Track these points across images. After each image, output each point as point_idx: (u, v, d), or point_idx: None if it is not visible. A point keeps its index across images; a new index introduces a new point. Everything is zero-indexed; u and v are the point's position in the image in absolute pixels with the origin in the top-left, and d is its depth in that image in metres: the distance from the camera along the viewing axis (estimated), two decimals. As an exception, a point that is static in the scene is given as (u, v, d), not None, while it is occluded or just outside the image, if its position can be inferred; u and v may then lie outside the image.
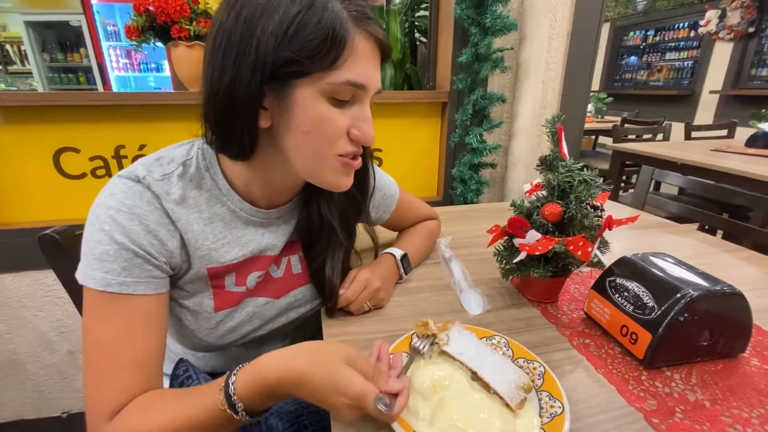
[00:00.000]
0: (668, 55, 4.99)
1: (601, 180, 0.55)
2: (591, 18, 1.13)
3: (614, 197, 2.24)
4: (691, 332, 0.47)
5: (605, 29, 5.57)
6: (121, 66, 4.08)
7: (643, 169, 1.07)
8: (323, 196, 0.53)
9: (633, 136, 2.60)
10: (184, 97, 1.04)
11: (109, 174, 1.07)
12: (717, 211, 1.04)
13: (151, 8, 0.92)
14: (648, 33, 5.21)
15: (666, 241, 0.87)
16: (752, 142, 2.14)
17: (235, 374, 0.36)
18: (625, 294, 0.51)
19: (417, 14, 1.87)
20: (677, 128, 2.97)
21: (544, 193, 0.57)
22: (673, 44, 4.90)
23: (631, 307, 0.50)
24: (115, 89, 4.08)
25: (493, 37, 1.01)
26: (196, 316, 0.48)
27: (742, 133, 2.32)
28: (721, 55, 4.23)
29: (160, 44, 1.00)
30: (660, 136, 2.71)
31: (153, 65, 4.13)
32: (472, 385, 0.42)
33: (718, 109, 4.31)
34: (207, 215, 0.46)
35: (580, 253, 0.50)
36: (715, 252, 0.81)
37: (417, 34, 1.87)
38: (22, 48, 4.06)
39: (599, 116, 4.07)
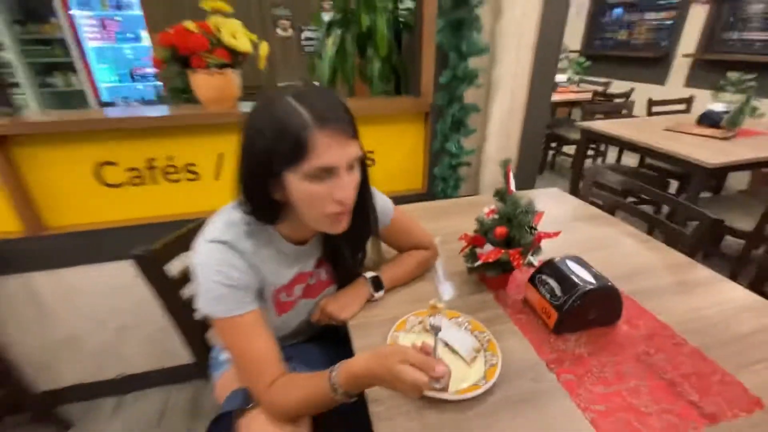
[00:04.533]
0: (647, 15, 5.05)
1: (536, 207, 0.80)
2: (553, 35, 1.32)
3: (580, 167, 2.48)
4: (582, 312, 0.74)
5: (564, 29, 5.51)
6: (96, 36, 3.95)
7: (587, 167, 1.31)
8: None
9: (600, 115, 2.81)
10: (203, 117, 1.20)
11: (143, 182, 1.26)
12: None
13: (174, 44, 1.06)
14: (632, -12, 5.19)
15: (594, 232, 1.14)
16: (702, 120, 2.37)
17: (336, 369, 0.57)
18: (546, 286, 0.78)
19: (402, 7, 1.97)
20: (643, 97, 3.13)
21: (497, 216, 0.81)
22: (653, 3, 4.90)
23: (548, 296, 0.76)
24: (93, 63, 3.98)
25: (467, 62, 1.19)
26: (268, 321, 0.72)
27: (703, 104, 2.49)
28: (697, 18, 4.29)
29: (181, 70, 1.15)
30: (626, 111, 2.94)
31: (130, 35, 4.01)
32: (445, 350, 0.69)
33: (690, 73, 4.44)
34: (267, 256, 0.69)
35: (516, 263, 0.75)
36: (629, 242, 1.08)
37: (402, 26, 1.97)
38: (-13, 16, 3.86)
39: (577, 84, 4.22)
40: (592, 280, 0.74)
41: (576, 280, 0.74)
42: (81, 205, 1.24)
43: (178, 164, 1.27)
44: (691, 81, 4.34)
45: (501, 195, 0.80)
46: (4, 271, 1.24)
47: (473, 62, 1.23)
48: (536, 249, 0.82)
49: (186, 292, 0.88)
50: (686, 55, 4.37)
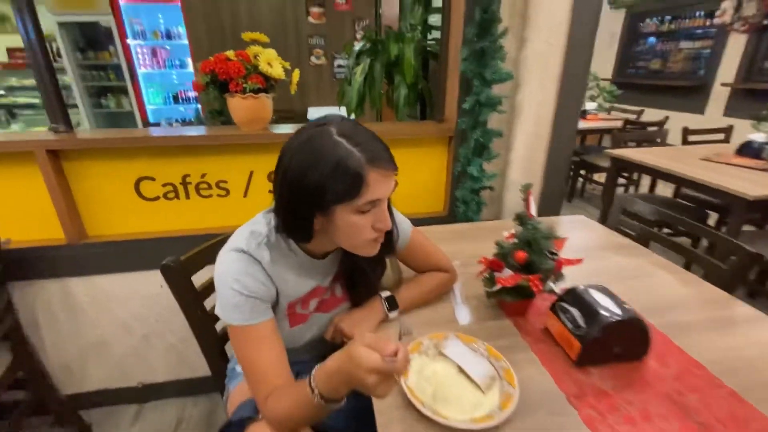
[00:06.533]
0: (683, 44, 4.95)
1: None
2: (580, 63, 1.32)
3: (610, 196, 2.40)
4: (607, 344, 0.70)
5: (620, 17, 5.53)
6: (147, 63, 4.30)
7: (618, 195, 1.28)
8: None
9: (632, 143, 2.74)
10: (236, 137, 1.27)
11: (177, 197, 1.33)
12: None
13: (215, 69, 1.14)
14: (665, 19, 5.15)
15: (622, 262, 1.10)
16: (742, 150, 2.27)
17: (314, 372, 0.58)
18: (568, 315, 0.75)
19: (429, 38, 2.04)
20: (678, 126, 3.05)
21: (516, 240, 0.80)
22: (688, 33, 4.83)
23: (571, 325, 0.73)
24: (143, 87, 4.31)
25: (491, 89, 1.21)
26: (280, 332, 0.73)
27: (742, 134, 2.39)
28: (736, 47, 4.18)
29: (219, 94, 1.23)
30: (659, 140, 2.85)
31: (177, 62, 4.34)
32: (459, 375, 0.67)
33: (729, 102, 4.30)
34: (285, 268, 0.70)
35: (536, 289, 0.73)
36: (660, 274, 1.03)
37: (429, 55, 2.04)
38: (54, 45, 4.29)
39: (607, 112, 4.16)
40: (618, 311, 0.71)
41: (601, 310, 0.71)
42: (119, 217, 1.33)
43: (210, 181, 1.33)
44: (730, 110, 4.20)
45: (521, 219, 0.80)
46: (44, 275, 1.32)
47: (497, 88, 1.25)
48: (558, 276, 0.80)
49: (209, 303, 0.91)
50: (725, 84, 4.24)
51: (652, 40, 5.30)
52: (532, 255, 0.76)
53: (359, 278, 0.80)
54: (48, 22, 3.88)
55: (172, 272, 0.85)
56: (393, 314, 0.83)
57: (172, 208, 1.34)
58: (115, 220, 1.33)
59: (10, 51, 4.36)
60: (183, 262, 0.87)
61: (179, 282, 0.85)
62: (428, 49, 1.98)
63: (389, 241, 0.76)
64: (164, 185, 1.31)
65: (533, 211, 0.79)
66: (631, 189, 3.71)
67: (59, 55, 4.14)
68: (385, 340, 0.51)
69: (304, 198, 0.61)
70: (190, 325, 0.90)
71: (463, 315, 0.85)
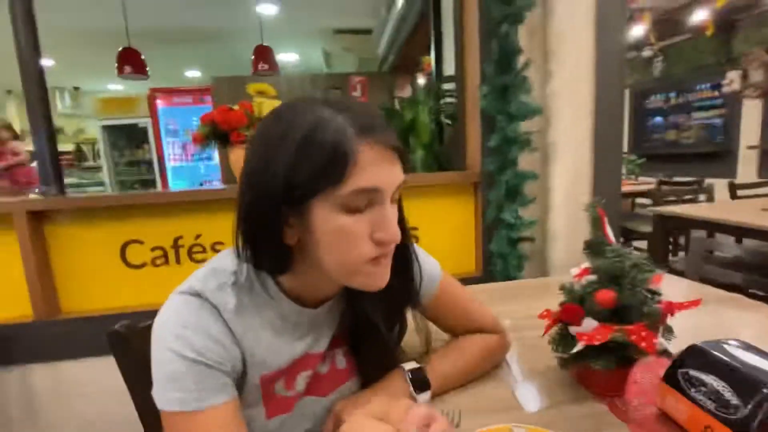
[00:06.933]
0: (695, 114, 4.99)
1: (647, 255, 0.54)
2: (612, 94, 1.19)
3: (663, 259, 2.12)
4: (790, 436, 0.41)
5: (625, 93, 5.74)
6: (177, 157, 4.59)
7: (694, 238, 1.03)
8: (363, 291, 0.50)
9: (673, 198, 2.52)
10: (231, 191, 1.14)
11: (167, 263, 1.16)
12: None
13: (215, 120, 1.06)
14: (670, 95, 5.29)
15: (733, 320, 0.81)
16: (807, 199, 2.02)
17: None
18: (703, 389, 0.47)
19: (442, 101, 2.04)
20: (719, 186, 2.87)
21: (594, 277, 0.56)
22: (697, 104, 4.91)
23: (713, 405, 0.45)
24: (170, 178, 4.54)
25: (519, 122, 1.07)
26: (249, 426, 0.47)
27: None
28: (752, 109, 4.20)
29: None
30: (702, 197, 2.62)
31: (204, 155, 4.62)
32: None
33: (760, 163, 4.17)
34: (258, 322, 0.47)
35: (644, 344, 0.47)
36: (797, 331, 0.74)
37: (444, 119, 2.01)
38: (96, 147, 4.68)
39: (633, 177, 4.02)
40: (794, 378, 0.43)
41: (761, 375, 0.44)
42: (100, 288, 1.15)
43: (205, 243, 1.17)
44: (765, 171, 4.03)
45: (596, 247, 0.57)
46: (3, 361, 1.11)
47: (524, 126, 1.12)
48: (666, 329, 0.54)
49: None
50: (751, 147, 4.16)
51: (661, 114, 5.40)
52: (622, 295, 0.52)
53: (370, 339, 0.54)
54: (91, 126, 4.29)
55: (121, 341, 0.63)
56: (423, 397, 0.55)
57: (161, 276, 1.17)
58: (94, 292, 1.15)
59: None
60: (141, 330, 0.66)
61: (126, 353, 0.63)
62: (442, 111, 1.95)
63: (406, 280, 0.54)
64: (153, 249, 1.15)
65: (611, 235, 0.57)
66: (680, 254, 3.35)
67: (98, 155, 4.49)
68: (406, 404, 0.27)
69: (266, 194, 0.41)
70: (139, 415, 0.65)
71: (531, 397, 0.57)
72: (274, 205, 0.41)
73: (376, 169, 0.41)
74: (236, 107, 1.12)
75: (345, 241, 0.42)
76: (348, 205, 0.41)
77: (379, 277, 0.46)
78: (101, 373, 1.15)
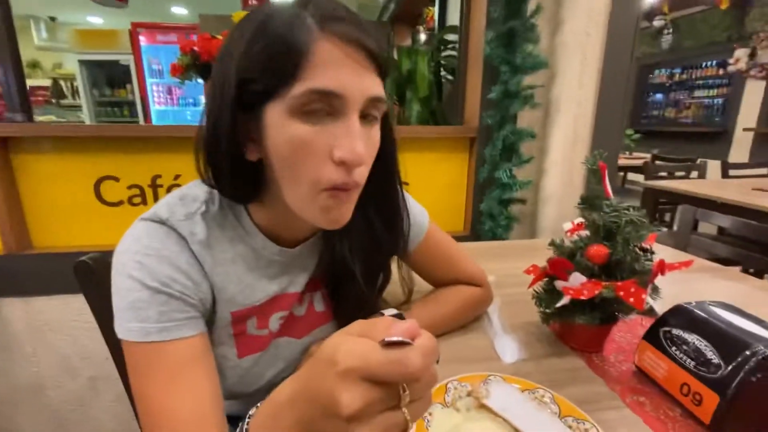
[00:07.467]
0: (697, 93, 4.92)
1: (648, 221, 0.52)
2: (622, 55, 1.13)
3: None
4: (765, 392, 0.41)
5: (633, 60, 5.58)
6: (162, 100, 4.36)
7: (684, 208, 1.02)
8: (342, 231, 0.45)
9: (665, 174, 2.52)
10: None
11: (144, 202, 1.11)
12: (762, 252, 0.96)
13: (195, 48, 0.97)
14: (674, 71, 5.17)
15: (715, 287, 0.81)
16: (797, 181, 2.03)
17: (253, 410, 0.29)
18: (684, 347, 0.47)
19: (443, 53, 1.93)
20: (712, 166, 2.88)
21: (587, 233, 0.54)
22: (701, 82, 4.83)
23: (693, 363, 0.45)
24: (155, 122, 4.34)
25: (523, 75, 1.01)
26: (220, 365, 0.46)
27: None
28: (754, 92, 4.14)
29: (200, 81, 1.05)
30: (694, 174, 2.62)
31: (190, 100, 4.39)
32: (516, 445, 0.38)
33: (753, 147, 4.17)
34: (230, 255, 0.44)
35: (632, 299, 0.46)
36: (777, 301, 0.74)
37: (443, 73, 1.91)
38: (75, 84, 4.41)
39: (628, 152, 4.01)
40: (778, 339, 0.43)
41: (745, 337, 0.43)
42: (73, 224, 1.10)
43: (185, 182, 1.12)
44: (756, 155, 4.05)
45: (592, 201, 0.54)
46: (-27, 293, 1.08)
47: (528, 81, 1.05)
48: (653, 289, 0.53)
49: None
50: (747, 129, 4.15)
51: (663, 91, 5.30)
52: (616, 250, 0.50)
53: (347, 284, 0.51)
54: (69, 61, 4.01)
55: (89, 274, 0.60)
56: None
57: (138, 215, 1.12)
58: (67, 228, 1.10)
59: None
60: (110, 263, 0.62)
61: (97, 289, 0.60)
62: (442, 64, 1.85)
63: (390, 224, 0.50)
64: (130, 187, 1.09)
65: (610, 189, 0.54)
66: (664, 230, 3.41)
67: (77, 93, 4.23)
68: (388, 321, 0.25)
69: (223, 98, 0.36)
70: (111, 352, 0.63)
71: (509, 349, 0.56)
72: (230, 112, 0.36)
73: (336, 69, 0.35)
74: (219, 36, 1.02)
75: (299, 153, 0.36)
76: (301, 109, 0.35)
77: (337, 214, 0.40)
78: (77, 310, 1.14)
